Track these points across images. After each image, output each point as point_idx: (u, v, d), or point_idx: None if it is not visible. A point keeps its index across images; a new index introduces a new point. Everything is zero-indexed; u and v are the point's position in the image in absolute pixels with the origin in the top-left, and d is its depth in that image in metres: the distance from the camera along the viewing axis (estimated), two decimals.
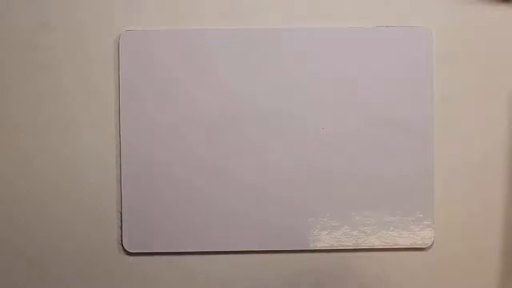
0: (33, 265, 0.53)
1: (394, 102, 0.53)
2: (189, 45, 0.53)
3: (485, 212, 0.54)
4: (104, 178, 0.53)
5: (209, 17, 0.53)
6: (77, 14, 0.53)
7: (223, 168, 0.53)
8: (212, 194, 0.53)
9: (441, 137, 0.53)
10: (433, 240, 0.53)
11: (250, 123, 0.53)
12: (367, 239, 0.53)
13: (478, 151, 0.54)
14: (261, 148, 0.53)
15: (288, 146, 0.53)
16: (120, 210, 0.53)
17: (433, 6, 0.53)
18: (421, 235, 0.53)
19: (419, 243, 0.53)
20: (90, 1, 0.53)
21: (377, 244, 0.53)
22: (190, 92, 0.53)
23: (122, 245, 0.53)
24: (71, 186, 0.53)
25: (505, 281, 0.54)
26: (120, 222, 0.53)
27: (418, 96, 0.53)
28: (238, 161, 0.53)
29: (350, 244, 0.53)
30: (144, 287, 0.53)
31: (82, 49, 0.53)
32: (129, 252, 0.53)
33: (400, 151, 0.53)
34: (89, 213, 0.53)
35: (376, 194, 0.53)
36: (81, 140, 0.53)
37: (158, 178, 0.53)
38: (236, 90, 0.53)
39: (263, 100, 0.53)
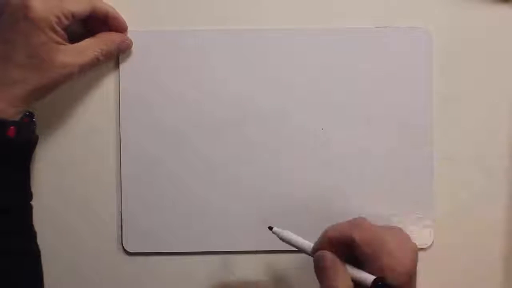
0: None
1: (394, 102, 0.53)
2: (189, 46, 0.52)
3: (485, 212, 0.54)
4: (104, 178, 0.53)
5: (209, 18, 0.53)
6: None
7: (223, 169, 0.53)
8: (212, 195, 0.53)
9: (441, 137, 0.53)
10: (433, 240, 0.53)
11: (250, 124, 0.53)
12: None
13: (478, 151, 0.54)
14: (260, 149, 0.53)
15: (288, 146, 0.53)
16: (120, 210, 0.53)
17: (433, 6, 0.53)
18: (421, 235, 0.53)
19: (419, 243, 0.53)
20: None
21: None
22: (190, 93, 0.53)
23: (122, 245, 0.53)
24: (71, 186, 0.53)
25: (505, 281, 0.54)
26: (120, 222, 0.53)
27: (418, 96, 0.53)
28: (238, 162, 0.53)
29: None
30: (144, 287, 0.53)
31: None
32: (129, 252, 0.53)
33: (400, 151, 0.53)
34: (89, 213, 0.53)
35: (376, 194, 0.53)
36: (81, 140, 0.53)
37: (158, 178, 0.53)
38: (236, 91, 0.53)
39: (263, 101, 0.53)
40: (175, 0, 0.53)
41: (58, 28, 0.46)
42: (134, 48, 0.52)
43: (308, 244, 0.47)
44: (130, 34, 0.52)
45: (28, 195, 0.49)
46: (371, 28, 0.53)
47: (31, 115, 0.49)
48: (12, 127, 0.46)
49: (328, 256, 0.45)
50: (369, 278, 0.45)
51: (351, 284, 0.44)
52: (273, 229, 0.49)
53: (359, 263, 0.45)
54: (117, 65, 0.52)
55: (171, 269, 0.53)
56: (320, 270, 0.45)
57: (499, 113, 0.54)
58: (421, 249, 0.53)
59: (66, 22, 0.47)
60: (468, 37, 0.53)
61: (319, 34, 0.53)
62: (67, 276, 0.53)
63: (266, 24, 0.53)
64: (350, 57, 0.53)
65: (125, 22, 0.51)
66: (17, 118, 0.47)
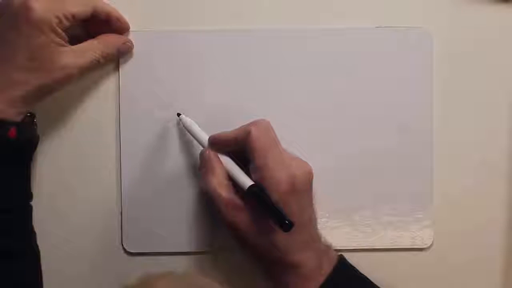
0: None
1: (394, 102, 0.53)
2: (189, 46, 0.52)
3: (485, 212, 0.54)
4: (104, 178, 0.53)
5: (209, 18, 0.53)
6: None
7: None
8: None
9: (441, 137, 0.53)
10: (433, 240, 0.53)
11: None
12: (367, 239, 0.53)
13: (478, 151, 0.54)
14: None
15: (287, 146, 0.53)
16: (120, 210, 0.53)
17: (433, 7, 0.53)
18: (421, 235, 0.53)
19: (419, 243, 0.53)
20: None
21: (377, 244, 0.53)
22: (190, 93, 0.53)
23: (122, 245, 0.53)
24: (71, 186, 0.53)
25: (505, 281, 0.54)
26: (120, 222, 0.53)
27: (418, 96, 0.53)
28: None
29: (350, 244, 0.53)
30: None
31: None
32: (129, 252, 0.53)
33: (400, 151, 0.53)
34: (90, 213, 0.53)
35: (376, 195, 0.53)
36: (81, 140, 0.53)
37: (158, 178, 0.53)
38: (236, 90, 0.53)
39: (263, 100, 0.53)
40: (175, 0, 0.53)
41: (59, 30, 0.46)
42: (134, 48, 0.52)
43: (206, 138, 0.49)
44: (130, 34, 0.52)
45: (29, 196, 0.49)
46: (371, 28, 0.53)
47: (32, 116, 0.49)
48: (13, 128, 0.46)
49: (207, 153, 0.48)
50: (247, 182, 0.45)
51: (225, 183, 0.46)
52: (180, 116, 0.50)
53: (249, 163, 0.46)
54: (117, 65, 0.52)
55: (171, 269, 0.53)
56: (199, 166, 0.48)
57: (499, 113, 0.54)
58: (421, 249, 0.53)
59: (66, 23, 0.47)
60: (468, 37, 0.53)
61: (319, 34, 0.53)
62: (67, 276, 0.53)
63: (266, 24, 0.53)
64: (350, 57, 0.53)
65: (127, 23, 0.51)
66: (18, 119, 0.47)
